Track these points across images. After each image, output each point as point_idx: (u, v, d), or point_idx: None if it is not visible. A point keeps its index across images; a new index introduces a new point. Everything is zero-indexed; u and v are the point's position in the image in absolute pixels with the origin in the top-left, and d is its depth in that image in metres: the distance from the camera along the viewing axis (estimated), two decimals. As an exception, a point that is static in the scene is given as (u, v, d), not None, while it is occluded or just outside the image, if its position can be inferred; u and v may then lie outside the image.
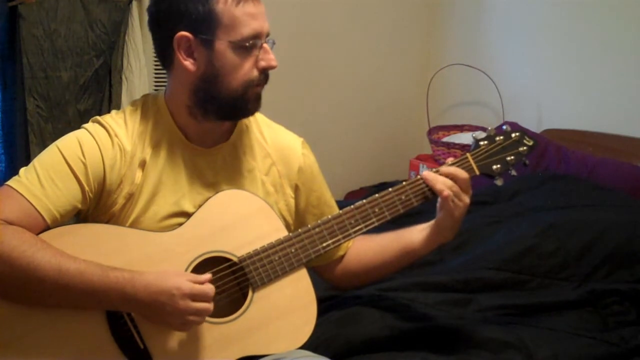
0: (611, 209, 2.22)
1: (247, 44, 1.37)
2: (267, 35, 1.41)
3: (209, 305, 1.32)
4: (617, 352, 1.72)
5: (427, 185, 1.49)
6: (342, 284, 1.66)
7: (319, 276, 1.61)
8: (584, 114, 3.01)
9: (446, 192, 1.45)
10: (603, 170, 2.59)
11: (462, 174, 1.49)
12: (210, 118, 1.43)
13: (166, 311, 1.31)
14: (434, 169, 1.52)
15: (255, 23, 1.37)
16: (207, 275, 1.35)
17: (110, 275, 1.30)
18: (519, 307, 1.88)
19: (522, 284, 1.98)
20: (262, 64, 1.40)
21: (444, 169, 1.50)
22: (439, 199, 1.48)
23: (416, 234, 1.55)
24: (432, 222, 1.53)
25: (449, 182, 1.47)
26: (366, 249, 1.60)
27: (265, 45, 1.40)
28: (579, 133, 2.94)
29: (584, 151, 2.76)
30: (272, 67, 1.41)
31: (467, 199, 1.49)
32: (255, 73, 1.40)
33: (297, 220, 1.56)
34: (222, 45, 1.37)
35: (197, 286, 1.31)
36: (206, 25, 1.36)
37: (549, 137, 2.89)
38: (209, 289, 1.33)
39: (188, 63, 1.39)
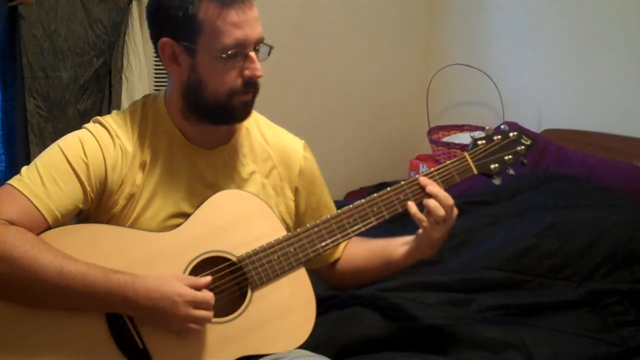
0: (611, 209, 2.22)
1: (227, 54, 1.34)
2: (259, 42, 1.37)
3: (209, 314, 1.33)
4: (616, 352, 1.72)
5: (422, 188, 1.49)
6: (336, 285, 1.68)
7: (316, 275, 1.62)
8: (584, 114, 3.00)
9: (425, 223, 1.44)
10: (603, 170, 2.58)
11: (448, 201, 1.45)
12: (204, 122, 1.43)
13: (167, 316, 1.31)
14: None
15: (239, 32, 1.34)
16: (207, 278, 1.35)
17: (112, 278, 1.29)
18: (519, 307, 1.88)
19: (522, 284, 1.98)
20: (247, 73, 1.37)
21: (433, 189, 1.47)
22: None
23: (399, 247, 1.55)
24: (414, 237, 1.52)
25: (435, 203, 1.45)
26: (356, 253, 1.61)
27: (251, 54, 1.36)
28: (579, 133, 2.93)
29: (584, 151, 2.75)
30: (257, 77, 1.38)
31: (450, 223, 1.46)
32: (239, 82, 1.37)
33: (297, 222, 1.56)
34: (203, 53, 1.35)
35: (199, 294, 1.32)
36: (188, 33, 1.34)
37: (549, 137, 2.89)
38: (210, 297, 1.33)
39: (173, 69, 1.39)
